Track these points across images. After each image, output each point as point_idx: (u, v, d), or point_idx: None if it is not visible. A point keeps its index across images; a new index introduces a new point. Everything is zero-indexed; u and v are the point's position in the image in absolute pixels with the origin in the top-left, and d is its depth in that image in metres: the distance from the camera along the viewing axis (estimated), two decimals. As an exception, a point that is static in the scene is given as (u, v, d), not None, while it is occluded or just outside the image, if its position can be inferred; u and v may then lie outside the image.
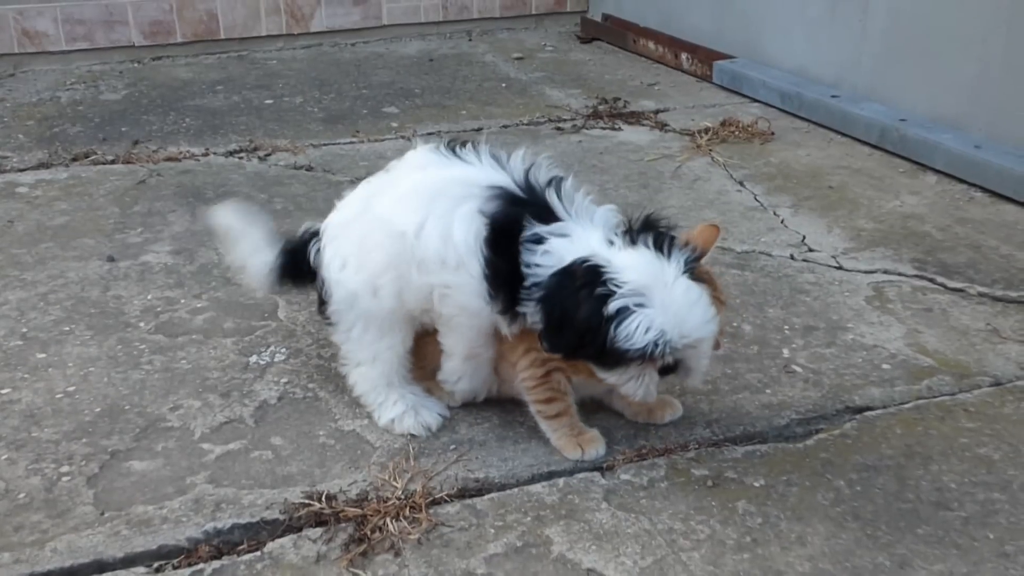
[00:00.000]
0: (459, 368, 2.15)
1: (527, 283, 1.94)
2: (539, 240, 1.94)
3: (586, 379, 2.06)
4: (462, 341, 2.10)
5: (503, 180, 2.03)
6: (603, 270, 1.87)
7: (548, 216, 1.98)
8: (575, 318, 1.87)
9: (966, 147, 3.64)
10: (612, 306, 1.83)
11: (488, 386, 2.20)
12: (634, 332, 1.82)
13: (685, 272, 1.89)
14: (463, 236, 1.99)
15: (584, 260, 1.89)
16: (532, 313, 1.96)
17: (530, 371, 2.08)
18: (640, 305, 1.83)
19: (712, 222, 2.11)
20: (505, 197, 2.00)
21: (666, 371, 1.94)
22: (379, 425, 2.21)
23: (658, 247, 1.91)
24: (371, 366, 2.20)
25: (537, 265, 1.93)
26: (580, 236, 1.95)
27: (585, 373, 2.04)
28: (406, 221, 2.05)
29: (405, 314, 2.15)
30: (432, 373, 2.24)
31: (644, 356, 1.85)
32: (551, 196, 2.00)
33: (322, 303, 2.23)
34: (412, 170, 2.14)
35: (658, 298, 1.84)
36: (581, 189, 2.07)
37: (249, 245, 2.32)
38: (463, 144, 2.13)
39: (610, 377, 1.94)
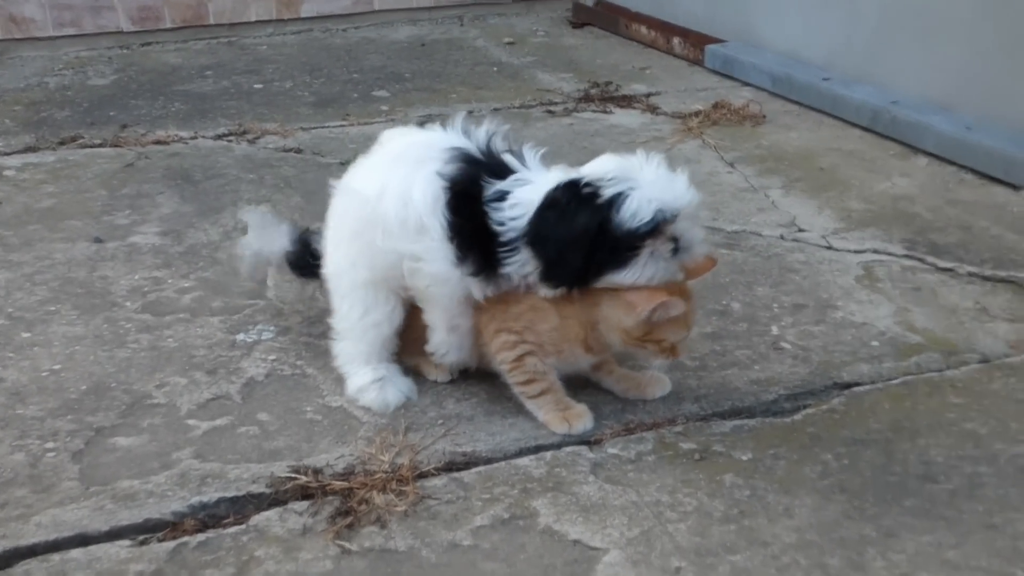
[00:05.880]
0: (444, 341, 2.13)
1: (504, 239, 1.94)
2: (502, 196, 1.95)
3: (560, 360, 2.06)
4: (440, 312, 2.09)
5: (462, 143, 2.05)
6: (579, 179, 1.92)
7: (505, 173, 2.00)
8: (575, 233, 1.89)
9: (957, 129, 3.63)
10: (606, 195, 1.88)
11: (477, 355, 2.19)
12: (638, 208, 1.87)
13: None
14: (422, 197, 1.99)
15: (557, 185, 1.92)
16: (522, 265, 1.96)
17: (503, 354, 2.07)
18: (631, 188, 1.88)
19: (711, 255, 2.09)
20: (463, 158, 2.01)
21: (673, 248, 1.95)
22: (345, 395, 2.22)
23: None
24: (355, 342, 2.21)
25: (511, 219, 1.94)
26: (541, 180, 1.98)
27: (556, 353, 2.04)
28: (368, 186, 2.09)
29: (382, 284, 2.14)
30: (422, 348, 2.23)
31: (654, 229, 1.88)
32: (507, 156, 2.03)
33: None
34: (381, 145, 2.19)
35: (641, 178, 1.90)
36: (536, 149, 2.08)
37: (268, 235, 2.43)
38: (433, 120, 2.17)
39: (628, 276, 1.93)
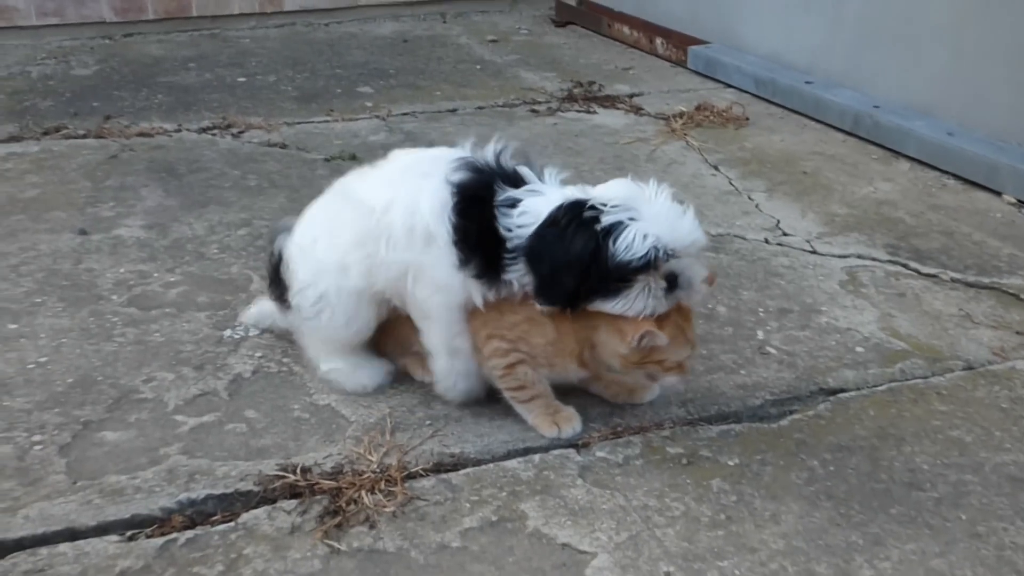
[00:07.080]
0: (447, 368, 2.12)
1: (509, 246, 1.94)
2: (513, 203, 1.95)
3: (552, 372, 2.06)
4: (439, 328, 2.07)
5: (470, 156, 2.05)
6: (585, 201, 1.91)
7: (518, 183, 2.00)
8: (570, 256, 1.88)
9: (939, 134, 3.66)
10: (605, 222, 1.87)
11: (487, 382, 2.15)
12: (633, 242, 1.85)
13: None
14: (430, 205, 1.98)
15: (562, 204, 1.92)
16: (524, 273, 1.95)
17: (494, 360, 2.06)
18: (631, 219, 1.87)
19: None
20: (471, 167, 2.01)
21: (668, 285, 1.93)
22: (317, 375, 2.25)
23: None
24: (340, 360, 2.23)
25: (518, 226, 1.93)
26: (553, 193, 1.97)
27: (548, 366, 2.04)
28: (375, 198, 2.07)
29: (372, 295, 2.13)
30: (409, 348, 2.22)
31: (648, 264, 1.87)
32: (521, 167, 2.03)
33: (282, 290, 2.24)
34: (389, 161, 2.17)
35: (646, 211, 1.89)
36: (557, 170, 2.07)
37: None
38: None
39: (617, 306, 1.92)
